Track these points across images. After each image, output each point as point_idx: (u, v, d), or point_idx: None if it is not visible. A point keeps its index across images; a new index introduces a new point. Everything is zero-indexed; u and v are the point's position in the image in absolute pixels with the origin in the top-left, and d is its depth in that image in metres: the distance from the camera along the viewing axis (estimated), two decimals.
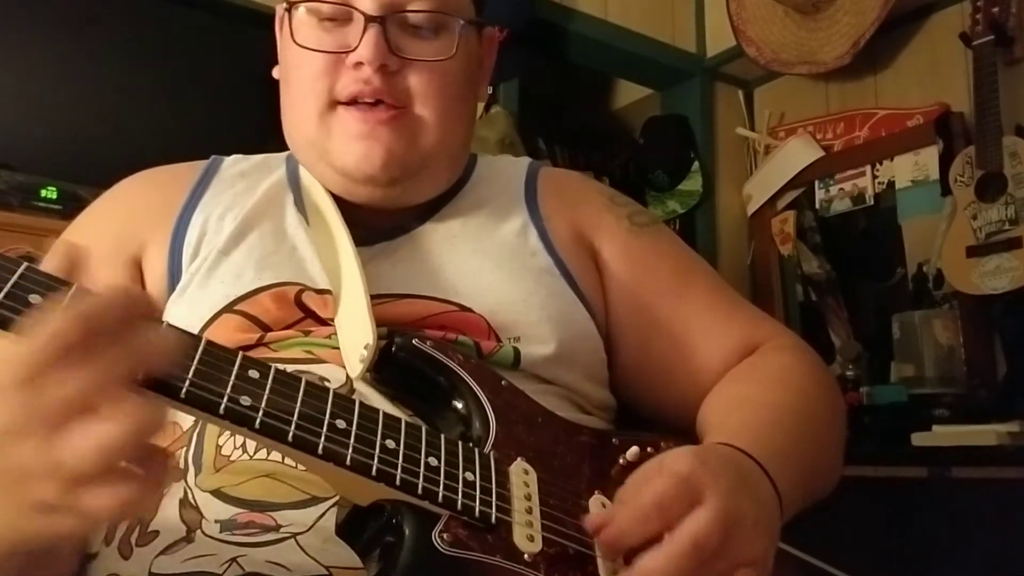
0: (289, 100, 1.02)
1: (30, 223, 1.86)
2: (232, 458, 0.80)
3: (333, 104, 0.97)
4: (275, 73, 1.08)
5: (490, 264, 0.98)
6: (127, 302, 0.58)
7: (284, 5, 1.03)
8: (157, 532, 0.78)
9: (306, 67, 0.97)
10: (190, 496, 0.79)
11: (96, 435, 0.55)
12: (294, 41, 0.97)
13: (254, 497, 0.77)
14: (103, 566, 0.79)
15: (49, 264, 1.00)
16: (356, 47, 0.94)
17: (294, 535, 0.75)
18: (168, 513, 0.79)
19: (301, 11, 0.98)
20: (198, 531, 0.77)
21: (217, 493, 0.78)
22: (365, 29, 0.94)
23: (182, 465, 0.81)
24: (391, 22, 0.95)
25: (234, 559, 0.74)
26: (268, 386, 0.63)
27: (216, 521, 0.77)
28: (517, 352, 0.92)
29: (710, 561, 0.68)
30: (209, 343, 0.64)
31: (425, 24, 0.98)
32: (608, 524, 0.70)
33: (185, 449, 0.83)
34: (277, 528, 0.76)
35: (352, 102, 0.96)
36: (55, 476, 0.56)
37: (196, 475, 0.80)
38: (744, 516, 0.71)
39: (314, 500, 0.77)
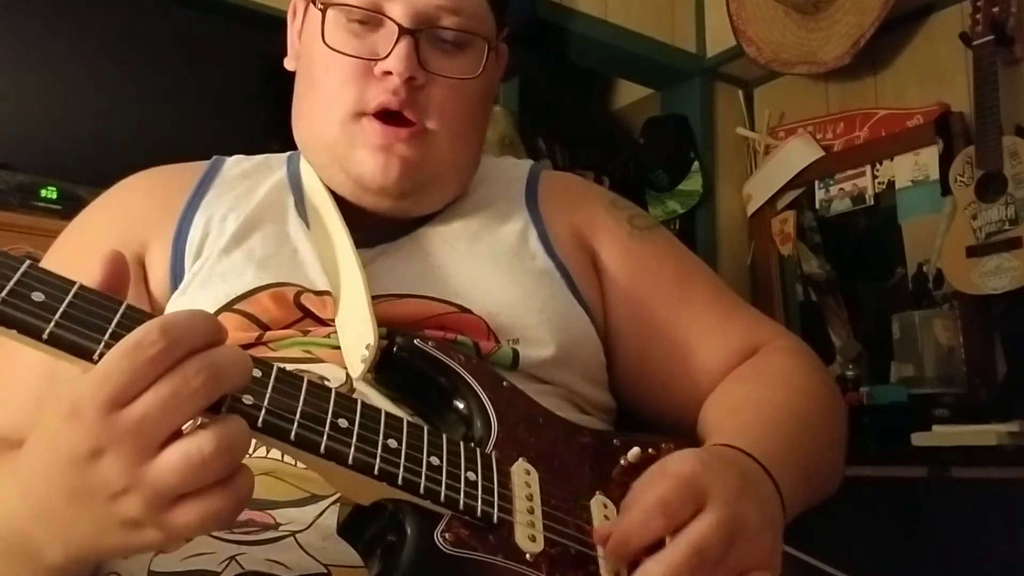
0: (310, 101, 1.02)
1: (30, 223, 1.86)
2: None
3: (359, 115, 0.97)
4: (287, 64, 1.08)
5: (490, 266, 0.99)
6: (207, 325, 0.59)
7: (303, 2, 1.03)
8: None
9: (334, 71, 0.97)
10: None
11: (183, 452, 0.56)
12: (324, 42, 0.97)
13: (253, 495, 0.77)
14: (102, 565, 0.79)
15: (51, 265, 1.00)
16: (386, 56, 0.95)
17: (293, 533, 0.75)
18: None
19: (332, 11, 0.97)
20: None
21: None
22: (397, 40, 0.94)
23: None
24: (423, 36, 0.96)
25: (233, 557, 0.74)
26: (270, 385, 0.63)
27: None
28: (516, 353, 0.93)
29: (713, 565, 0.68)
30: None
31: (454, 40, 0.98)
32: (613, 532, 0.70)
33: None
34: (276, 526, 0.76)
35: (376, 114, 0.96)
36: (142, 493, 0.57)
37: None
38: (749, 520, 0.71)
39: (313, 498, 0.77)
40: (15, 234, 1.83)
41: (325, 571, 0.74)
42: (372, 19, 0.96)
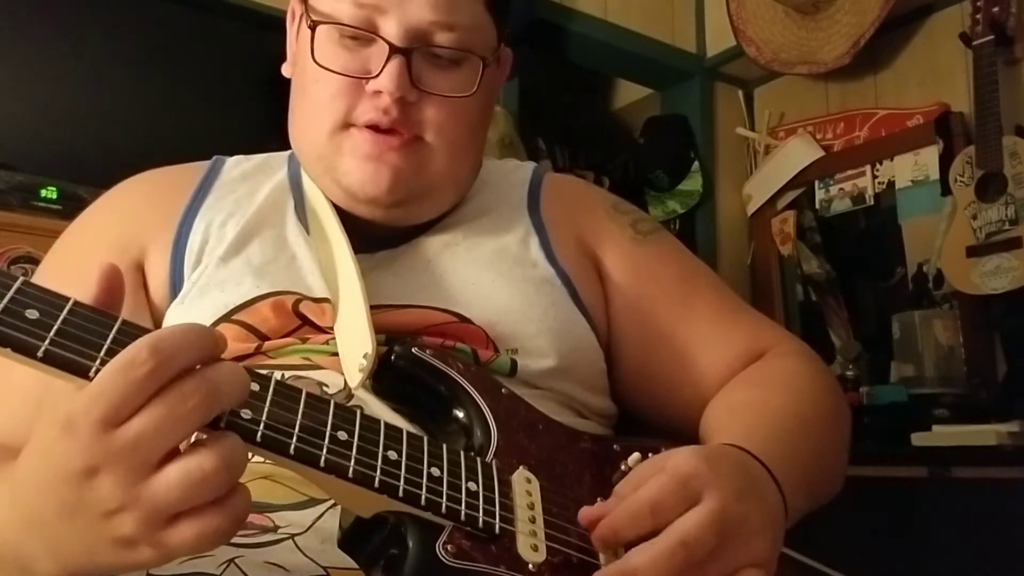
0: (302, 111, 1.01)
1: (30, 223, 1.87)
2: None
3: (347, 125, 0.95)
4: (285, 71, 1.07)
5: (490, 274, 0.98)
6: (202, 340, 0.59)
7: (300, 8, 1.02)
8: None
9: (324, 84, 0.96)
10: None
11: (183, 471, 0.56)
12: (314, 60, 0.95)
13: (252, 498, 0.77)
14: None
15: (49, 270, 1.00)
16: (377, 75, 0.93)
17: (292, 536, 0.75)
18: None
19: (323, 27, 0.95)
20: None
21: None
22: (389, 58, 0.92)
23: None
24: (416, 53, 0.94)
25: (232, 560, 0.74)
26: (268, 398, 0.63)
27: None
28: (514, 363, 0.92)
29: (706, 563, 0.67)
30: None
31: (448, 56, 0.96)
32: (602, 518, 0.70)
33: None
34: (275, 529, 0.76)
35: (366, 126, 0.95)
36: (137, 512, 0.56)
37: None
38: (747, 520, 0.71)
39: (312, 501, 0.77)
40: (15, 234, 1.83)
41: (324, 573, 0.73)
42: (364, 36, 0.94)
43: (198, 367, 0.58)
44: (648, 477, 0.71)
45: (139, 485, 0.56)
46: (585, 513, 0.72)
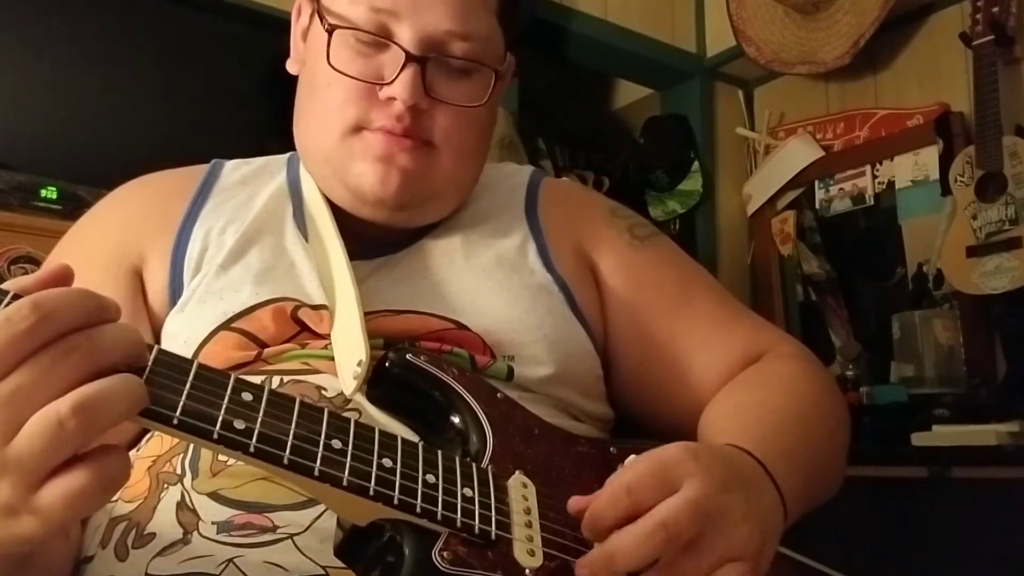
0: (311, 112, 1.01)
1: (30, 223, 1.87)
2: (229, 462, 0.80)
3: (358, 128, 0.96)
4: (290, 68, 1.06)
5: (488, 282, 0.98)
6: (86, 301, 0.57)
7: (309, 6, 1.02)
8: (153, 534, 0.78)
9: (336, 88, 0.96)
10: (187, 499, 0.79)
11: (40, 417, 0.54)
12: (329, 63, 0.95)
13: (251, 499, 0.77)
14: (99, 569, 0.79)
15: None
16: (391, 82, 0.93)
17: (291, 536, 0.75)
18: (164, 516, 0.79)
19: (338, 32, 0.96)
20: (195, 533, 0.76)
21: (214, 495, 0.78)
22: (404, 66, 0.93)
23: (179, 471, 0.81)
24: (430, 63, 0.94)
25: (231, 560, 0.74)
26: (262, 408, 0.62)
27: (213, 523, 0.77)
28: (511, 369, 0.92)
29: (690, 553, 0.68)
30: (201, 366, 0.63)
31: (461, 67, 0.97)
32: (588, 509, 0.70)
33: (182, 455, 0.83)
34: (274, 529, 0.76)
35: (378, 130, 0.95)
36: (10, 473, 0.55)
37: (193, 479, 0.80)
38: (729, 511, 0.70)
39: (311, 501, 0.77)
40: (15, 234, 1.84)
41: (323, 573, 0.74)
42: (379, 41, 0.95)
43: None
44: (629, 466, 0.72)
45: (10, 444, 0.54)
46: (574, 502, 0.72)
